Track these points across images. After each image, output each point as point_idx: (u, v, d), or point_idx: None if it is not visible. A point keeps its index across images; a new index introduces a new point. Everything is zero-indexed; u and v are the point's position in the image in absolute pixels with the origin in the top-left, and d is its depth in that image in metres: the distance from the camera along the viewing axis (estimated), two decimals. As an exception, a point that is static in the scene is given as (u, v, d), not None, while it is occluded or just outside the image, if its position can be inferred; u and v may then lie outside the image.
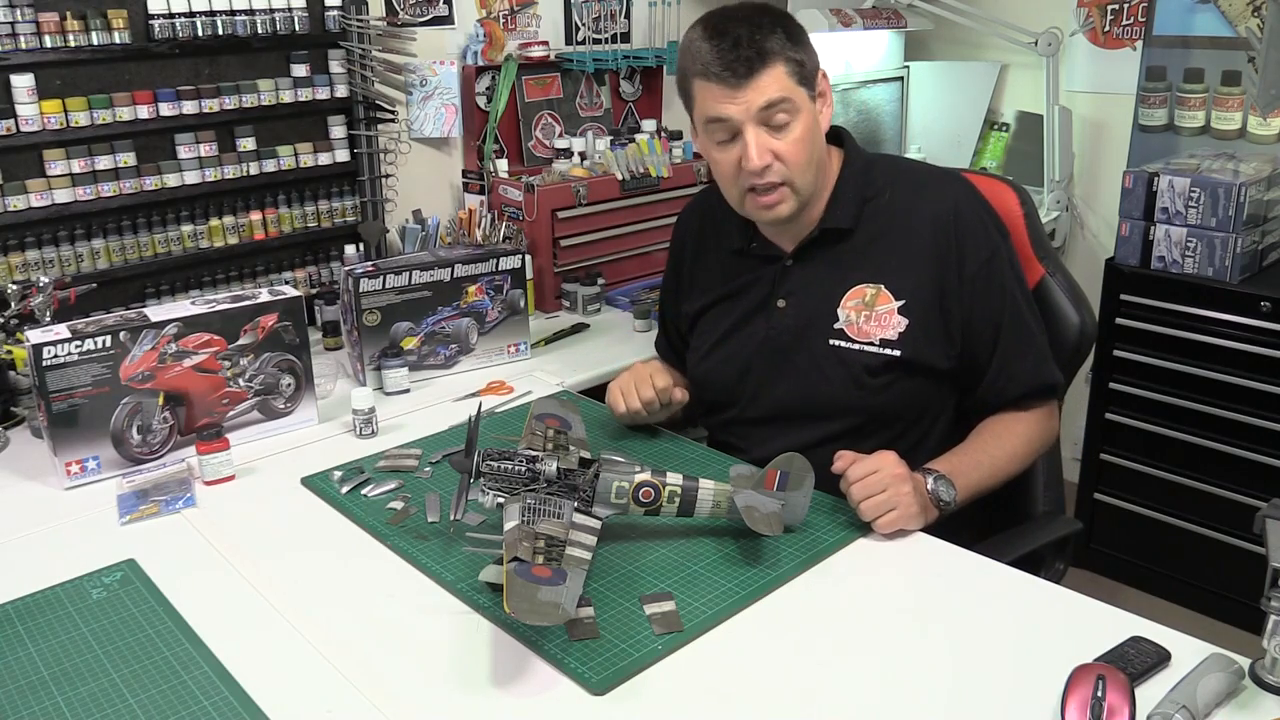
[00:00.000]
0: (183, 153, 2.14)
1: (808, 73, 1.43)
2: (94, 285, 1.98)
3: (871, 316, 1.50)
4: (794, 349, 1.55)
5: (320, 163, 2.33)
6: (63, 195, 2.00)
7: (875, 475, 1.33)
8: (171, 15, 2.04)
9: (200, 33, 2.08)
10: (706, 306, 1.66)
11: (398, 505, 1.47)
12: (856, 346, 1.51)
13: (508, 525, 1.21)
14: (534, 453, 1.31)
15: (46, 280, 1.85)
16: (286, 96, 2.24)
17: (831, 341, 1.53)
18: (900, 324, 1.49)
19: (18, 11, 1.88)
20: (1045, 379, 1.53)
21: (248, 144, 2.22)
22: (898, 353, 1.49)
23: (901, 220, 1.52)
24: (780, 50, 1.39)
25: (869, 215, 1.53)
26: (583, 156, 2.58)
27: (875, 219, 1.53)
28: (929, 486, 1.38)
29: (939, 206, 1.50)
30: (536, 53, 2.66)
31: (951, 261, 1.49)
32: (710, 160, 1.50)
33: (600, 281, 2.44)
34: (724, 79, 1.39)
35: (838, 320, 1.52)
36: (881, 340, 1.50)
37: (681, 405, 1.66)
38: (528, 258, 2.17)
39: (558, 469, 1.29)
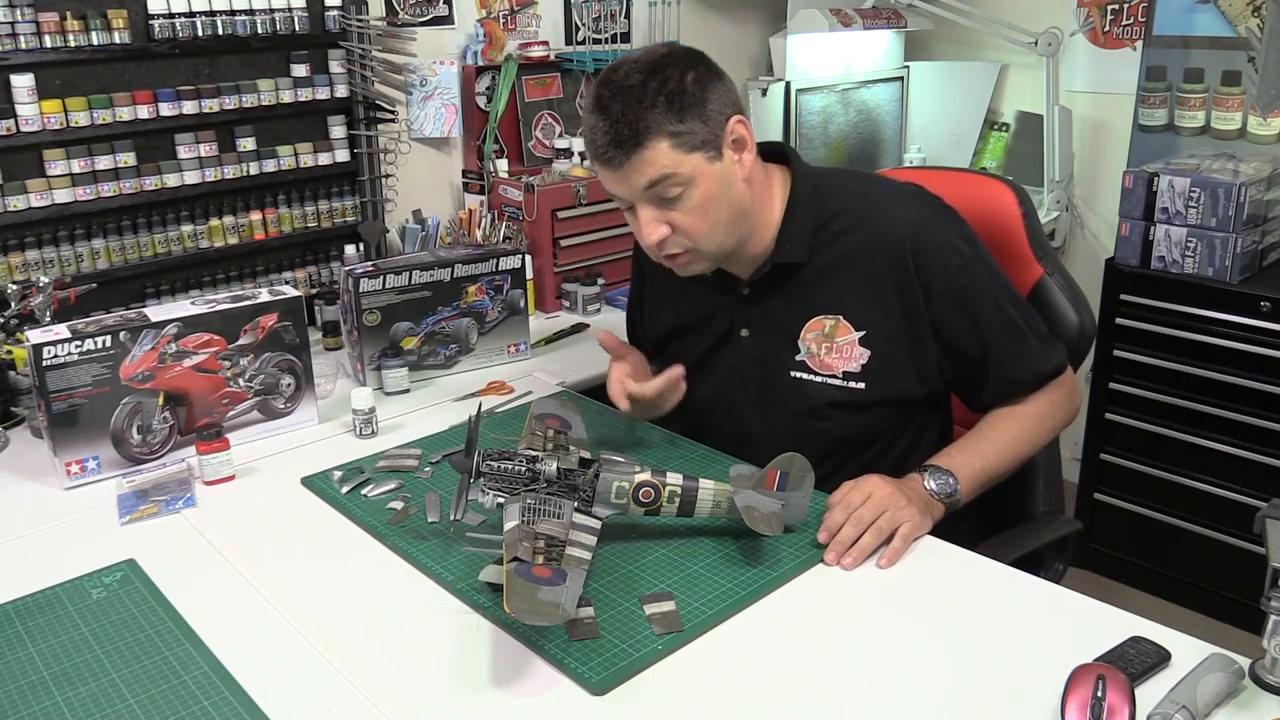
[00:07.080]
0: (183, 153, 2.14)
1: (701, 139, 1.34)
2: (94, 285, 1.99)
3: (832, 349, 1.47)
4: (760, 380, 1.53)
5: (320, 163, 2.33)
6: (63, 195, 2.00)
7: (863, 507, 1.29)
8: (171, 15, 2.05)
9: (200, 33, 2.08)
10: (672, 333, 1.64)
11: (398, 505, 1.47)
12: (819, 379, 1.49)
13: (508, 525, 1.21)
14: (534, 453, 1.31)
15: (46, 280, 1.85)
16: (286, 96, 2.24)
17: (793, 374, 1.50)
18: (862, 355, 1.46)
19: (18, 11, 1.88)
20: (1045, 368, 1.48)
21: (248, 144, 2.22)
22: (862, 386, 1.47)
23: (856, 251, 1.46)
24: (659, 125, 1.31)
25: (821, 244, 1.47)
26: (583, 156, 2.58)
27: (828, 248, 1.47)
28: (926, 485, 1.36)
29: (893, 239, 1.44)
30: (536, 53, 2.66)
31: (915, 289, 1.43)
32: None
33: (600, 281, 2.44)
34: (606, 160, 1.35)
35: (799, 352, 1.49)
36: (845, 373, 1.47)
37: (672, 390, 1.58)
38: (528, 258, 2.17)
39: (558, 469, 1.29)
